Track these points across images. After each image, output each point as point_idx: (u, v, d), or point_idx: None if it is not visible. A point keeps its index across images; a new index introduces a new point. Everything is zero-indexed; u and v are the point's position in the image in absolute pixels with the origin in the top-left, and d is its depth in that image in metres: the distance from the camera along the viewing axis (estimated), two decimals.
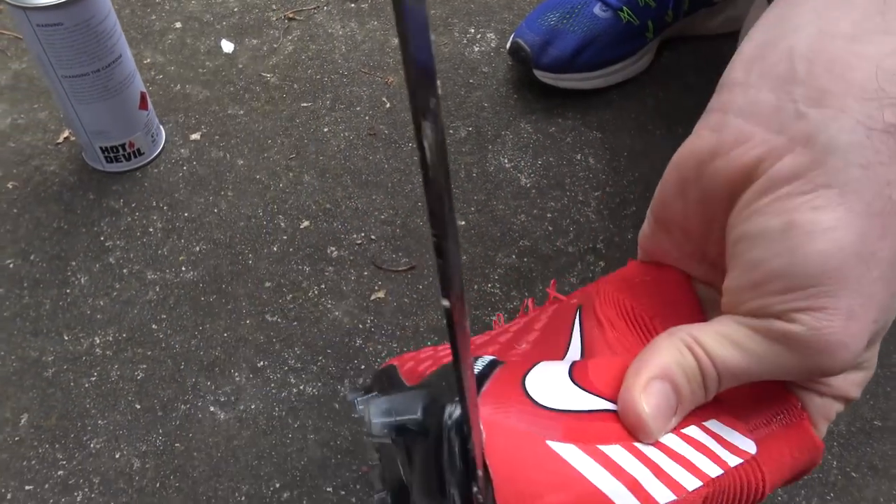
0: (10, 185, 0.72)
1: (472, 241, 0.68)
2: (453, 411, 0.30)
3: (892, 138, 0.27)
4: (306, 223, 0.70)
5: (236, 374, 0.60)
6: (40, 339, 0.62)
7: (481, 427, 0.29)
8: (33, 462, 0.56)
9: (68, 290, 0.65)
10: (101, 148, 0.71)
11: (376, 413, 0.32)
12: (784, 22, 0.29)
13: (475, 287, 0.65)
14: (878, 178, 0.27)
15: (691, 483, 0.29)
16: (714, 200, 0.31)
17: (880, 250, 0.27)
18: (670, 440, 0.30)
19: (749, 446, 0.31)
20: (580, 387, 0.32)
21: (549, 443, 0.29)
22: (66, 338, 0.62)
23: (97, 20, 0.62)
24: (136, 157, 0.73)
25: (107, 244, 0.68)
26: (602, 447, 0.29)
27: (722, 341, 0.29)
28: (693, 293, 0.36)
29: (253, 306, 0.64)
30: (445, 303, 0.23)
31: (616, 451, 0.29)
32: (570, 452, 0.29)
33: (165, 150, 0.75)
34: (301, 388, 0.60)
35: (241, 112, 0.79)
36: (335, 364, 0.61)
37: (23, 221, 0.70)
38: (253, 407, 0.59)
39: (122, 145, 0.71)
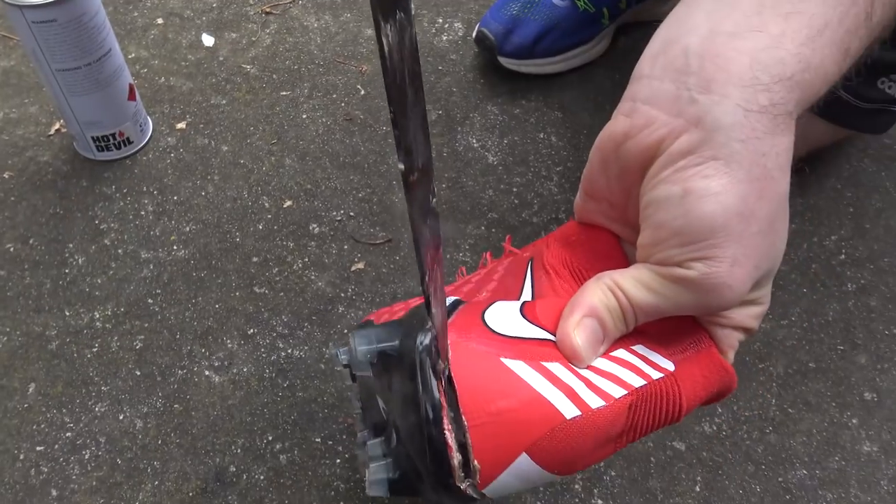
0: (6, 175, 0.76)
1: (444, 214, 0.73)
2: (424, 339, 0.36)
3: (766, 117, 0.33)
4: (289, 203, 0.75)
5: (228, 341, 0.65)
6: (43, 315, 0.67)
7: (447, 341, 0.35)
8: (42, 426, 0.61)
9: (67, 270, 0.70)
10: (92, 137, 0.75)
11: (361, 342, 0.38)
12: (682, 23, 0.36)
13: (447, 256, 0.70)
14: (754, 150, 0.33)
15: (617, 392, 0.36)
16: (629, 174, 0.37)
17: (759, 210, 0.33)
18: (600, 362, 0.37)
19: (668, 365, 0.38)
20: (529, 321, 0.38)
21: (503, 359, 0.36)
22: (68, 313, 0.67)
23: (88, 16, 0.66)
24: (125, 145, 0.77)
25: (101, 227, 0.73)
26: (545, 363, 0.36)
27: (637, 286, 0.36)
28: (620, 249, 0.42)
29: (242, 280, 0.69)
30: (401, 165, 0.27)
31: (556, 367, 0.36)
32: (518, 367, 0.35)
33: (153, 138, 0.80)
34: (289, 351, 0.65)
35: (224, 102, 0.83)
36: (320, 329, 0.66)
37: (20, 209, 0.74)
38: (245, 370, 0.64)
39: (113, 134, 0.76)
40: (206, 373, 0.64)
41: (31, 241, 0.72)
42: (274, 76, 0.86)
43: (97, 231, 0.72)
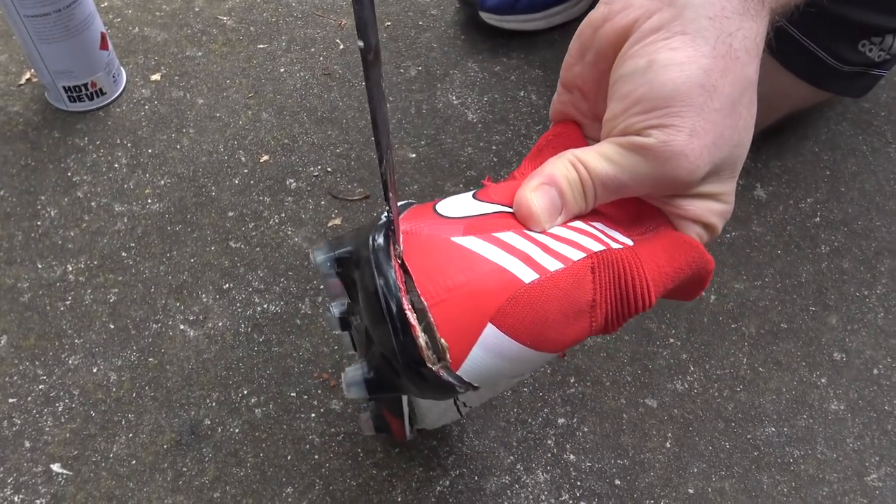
0: None
1: (423, 171, 0.73)
2: (376, 234, 0.36)
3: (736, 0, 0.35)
4: (266, 157, 0.74)
5: (203, 295, 0.65)
6: (14, 267, 0.66)
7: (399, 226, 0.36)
8: (15, 378, 0.60)
9: (39, 223, 0.69)
10: (64, 88, 0.74)
11: (319, 253, 0.39)
12: None
13: None
14: (722, 28, 0.34)
15: (576, 255, 0.36)
16: (603, 59, 0.38)
17: (721, 86, 0.34)
18: (557, 230, 0.37)
19: (627, 241, 0.38)
20: (481, 201, 0.39)
21: (454, 238, 0.36)
22: (40, 266, 0.66)
23: None
24: (98, 96, 0.76)
25: (74, 179, 0.71)
26: (497, 234, 0.36)
27: (598, 158, 0.36)
28: (585, 140, 0.43)
29: (217, 234, 0.68)
30: (360, 43, 0.28)
31: (509, 236, 0.36)
32: (470, 242, 0.36)
33: (127, 90, 0.78)
34: (265, 306, 0.64)
35: (200, 54, 0.82)
36: (296, 285, 0.66)
37: None
38: (220, 324, 0.63)
39: (85, 85, 0.74)
40: (181, 327, 0.63)
41: (1, 193, 0.70)
42: (251, 28, 0.84)
43: (70, 183, 0.71)
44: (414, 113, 0.77)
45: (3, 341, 0.62)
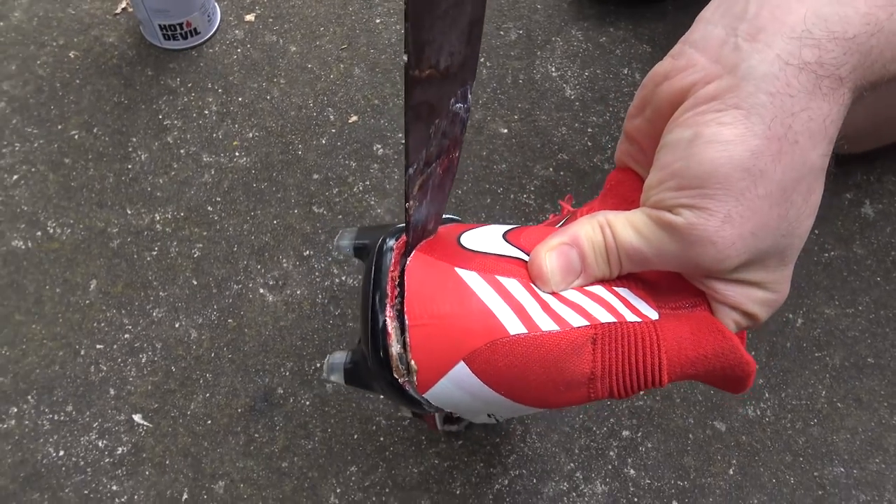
0: (71, 55, 0.75)
1: (513, 150, 0.71)
2: (388, 237, 0.37)
3: (806, 75, 0.31)
4: (354, 118, 0.72)
5: (284, 260, 0.66)
6: (105, 210, 0.67)
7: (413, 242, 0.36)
8: (103, 324, 0.63)
9: (130, 166, 0.69)
10: (159, 25, 0.73)
11: (344, 237, 0.42)
12: None
13: (511, 196, 0.68)
14: (782, 107, 0.31)
15: (577, 321, 0.34)
16: (660, 117, 0.35)
17: (771, 172, 0.31)
18: (569, 293, 0.36)
19: (652, 314, 0.36)
20: (508, 242, 0.38)
21: (457, 269, 0.36)
22: (129, 212, 0.67)
23: None
24: (192, 35, 0.75)
25: (165, 123, 0.72)
26: (500, 277, 0.35)
27: (626, 225, 0.35)
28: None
29: (301, 197, 0.68)
30: (405, 57, 0.27)
31: (511, 283, 0.35)
32: (470, 277, 0.35)
33: (220, 30, 0.77)
34: (343, 279, 0.65)
35: None
36: None
37: (85, 93, 0.73)
38: (298, 292, 0.64)
39: (180, 24, 0.73)
40: (261, 290, 0.64)
41: (95, 130, 0.71)
42: None
43: (161, 127, 0.71)
44: (510, 83, 0.74)
45: (92, 286, 0.64)
